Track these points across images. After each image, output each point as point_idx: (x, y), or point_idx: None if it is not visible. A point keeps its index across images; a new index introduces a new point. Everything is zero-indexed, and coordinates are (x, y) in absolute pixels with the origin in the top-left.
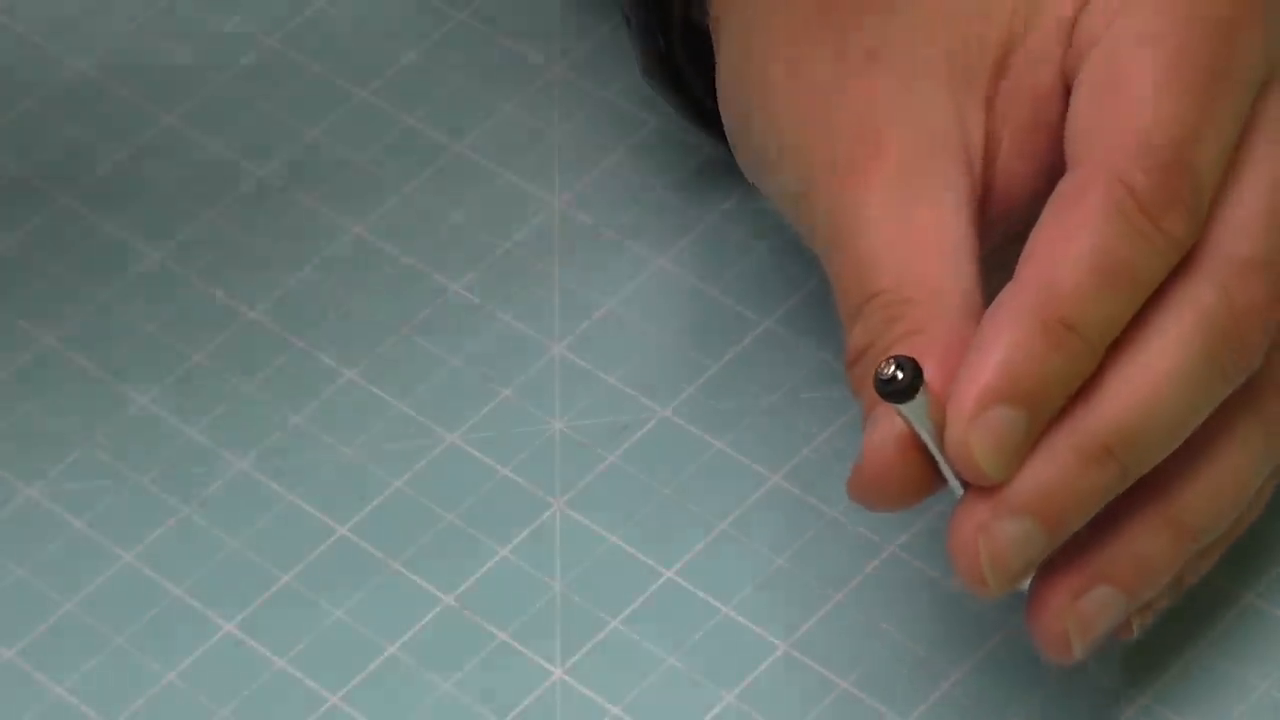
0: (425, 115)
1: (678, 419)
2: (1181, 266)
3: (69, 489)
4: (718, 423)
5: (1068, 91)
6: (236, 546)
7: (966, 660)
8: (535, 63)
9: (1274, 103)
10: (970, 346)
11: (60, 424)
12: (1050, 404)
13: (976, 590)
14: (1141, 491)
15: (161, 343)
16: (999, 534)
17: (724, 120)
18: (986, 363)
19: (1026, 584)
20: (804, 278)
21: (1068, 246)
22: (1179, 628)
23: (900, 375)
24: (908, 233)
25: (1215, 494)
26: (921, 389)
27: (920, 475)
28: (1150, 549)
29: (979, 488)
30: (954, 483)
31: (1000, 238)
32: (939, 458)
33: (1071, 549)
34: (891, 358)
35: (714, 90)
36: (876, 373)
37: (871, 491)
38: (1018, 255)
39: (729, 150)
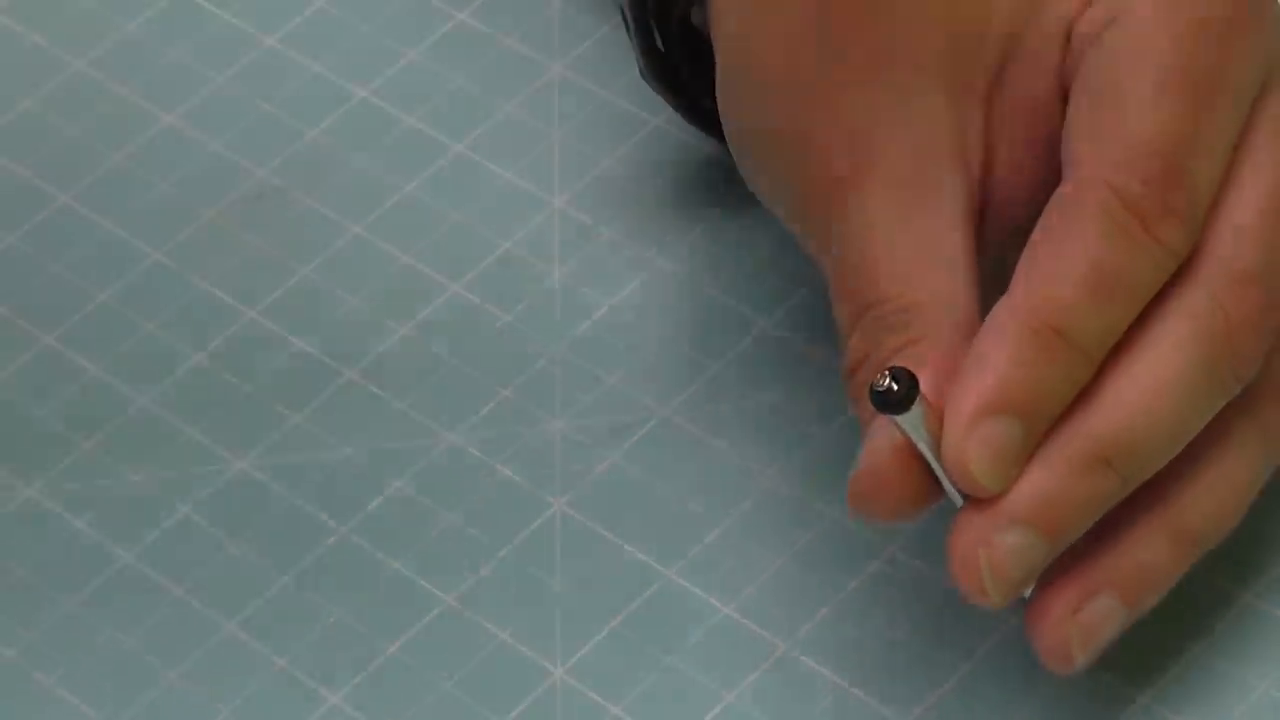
0: (425, 115)
1: (678, 419)
2: (1179, 275)
3: (69, 489)
4: (718, 423)
5: (1065, 98)
6: (236, 546)
7: (966, 660)
8: (535, 63)
9: (1271, 106)
10: (967, 357)
11: (60, 424)
12: (1047, 414)
13: (978, 601)
14: (1140, 499)
15: (161, 343)
16: (999, 545)
17: (723, 125)
18: (983, 374)
19: (1028, 591)
20: (804, 278)
21: (1063, 257)
22: (1179, 628)
23: (896, 387)
24: (905, 242)
25: (1214, 501)
26: (917, 400)
27: (918, 486)
28: (1150, 557)
29: (977, 499)
30: (952, 493)
31: (1000, 246)
32: (937, 469)
33: (1072, 558)
34: (887, 369)
35: (713, 91)
36: (872, 384)
37: (869, 503)
38: (1016, 263)
39: (729, 150)
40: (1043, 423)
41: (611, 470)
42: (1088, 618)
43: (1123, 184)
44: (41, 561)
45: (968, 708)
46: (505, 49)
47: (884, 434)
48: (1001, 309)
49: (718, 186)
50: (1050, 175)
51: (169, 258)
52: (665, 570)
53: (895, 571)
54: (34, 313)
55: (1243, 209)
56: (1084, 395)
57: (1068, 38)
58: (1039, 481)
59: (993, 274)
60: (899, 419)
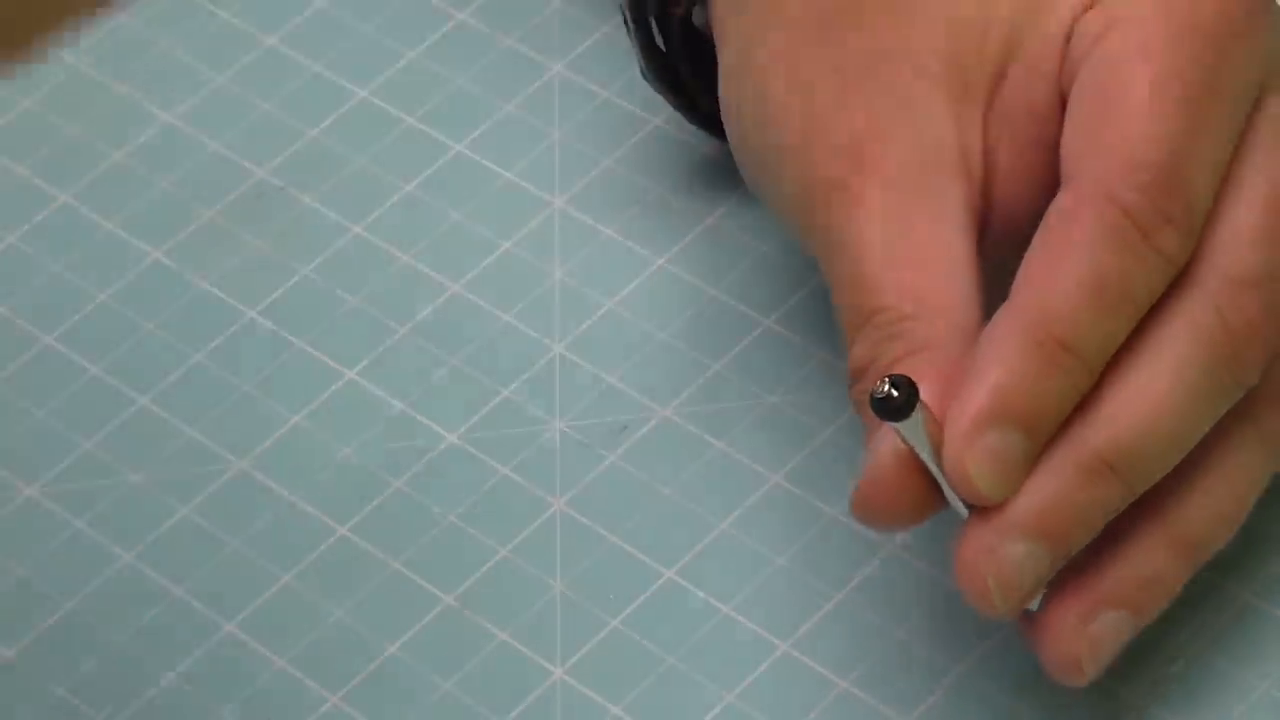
0: (425, 115)
1: (678, 419)
2: (1178, 282)
3: (69, 489)
4: (718, 423)
5: (1065, 103)
6: (236, 546)
7: (966, 660)
8: (535, 63)
9: (1271, 108)
10: (967, 367)
11: (60, 424)
12: (1048, 424)
13: (985, 612)
14: (1143, 509)
15: (161, 343)
16: (1004, 556)
17: (725, 128)
18: (982, 384)
19: (1037, 605)
20: (804, 278)
21: (1061, 266)
22: (1179, 628)
23: (895, 394)
24: (907, 248)
25: (1217, 509)
26: (918, 408)
27: (921, 494)
28: (1155, 568)
29: (982, 510)
30: (955, 501)
31: (1002, 250)
32: (939, 477)
33: (1076, 571)
34: (887, 377)
35: (714, 91)
36: (872, 391)
37: (873, 511)
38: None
39: (729, 150)
40: (1044, 432)
41: (611, 470)
42: (1097, 631)
43: (1120, 193)
44: (41, 561)
45: (968, 708)
46: (505, 49)
47: (887, 442)
48: (1001, 318)
49: (718, 186)
50: (1051, 179)
51: (169, 258)
52: (665, 570)
53: (895, 571)
54: (34, 313)
55: (1242, 214)
56: (1086, 404)
57: (1066, 43)
58: (1043, 491)
59: (995, 278)
60: (899, 426)
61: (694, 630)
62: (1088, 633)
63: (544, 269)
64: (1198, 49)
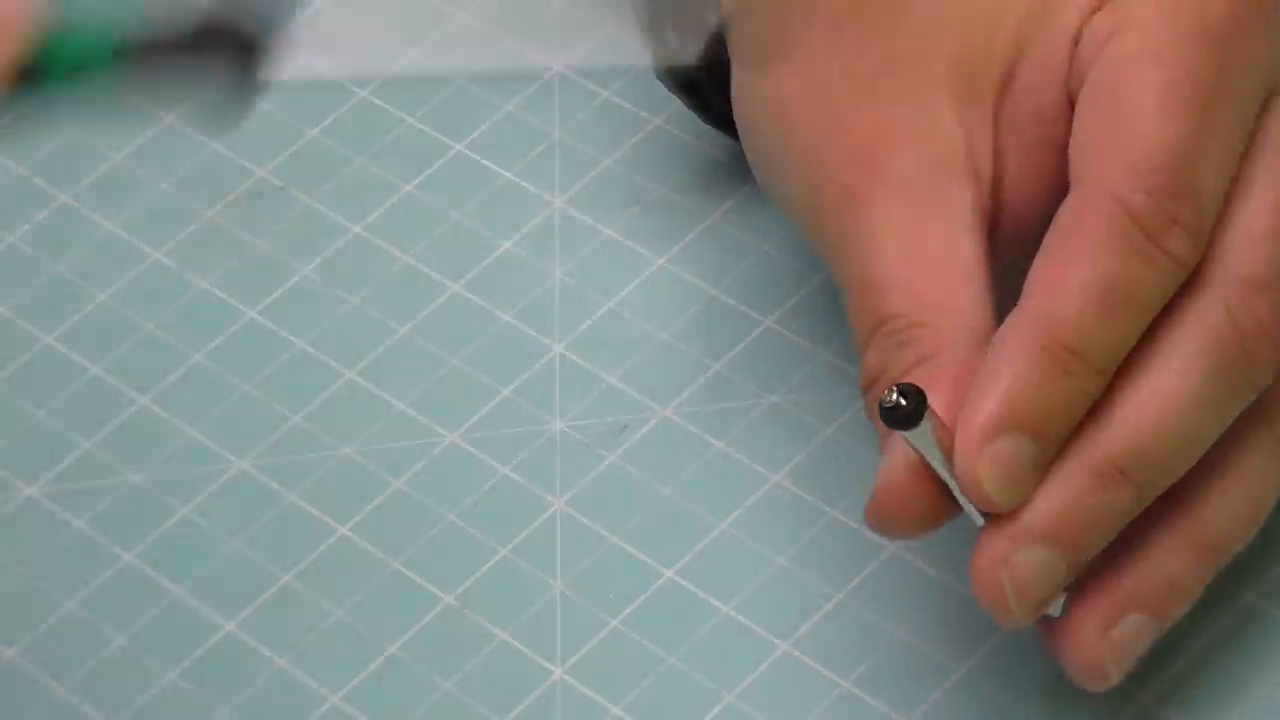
0: (425, 115)
1: (678, 419)
2: (1189, 284)
3: (69, 489)
4: (718, 423)
5: (1073, 107)
6: (236, 546)
7: (967, 660)
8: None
9: (1275, 118)
10: (977, 375)
11: (60, 424)
12: (1059, 430)
13: (1003, 621)
14: (1162, 512)
15: (161, 343)
16: (1020, 564)
17: (739, 132)
18: (992, 391)
19: (1056, 610)
20: (804, 277)
21: (1070, 272)
22: (1179, 628)
23: (904, 402)
24: (917, 255)
25: (1235, 510)
26: (926, 416)
27: (934, 503)
28: (1176, 571)
29: (996, 517)
30: (969, 509)
31: (1013, 254)
32: (951, 485)
33: (1097, 577)
34: (895, 385)
35: (727, 91)
36: (880, 400)
37: (887, 519)
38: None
39: (730, 149)
40: (1055, 439)
41: (611, 470)
42: (1119, 635)
43: (1128, 197)
44: (41, 561)
45: (968, 708)
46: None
47: (899, 451)
48: (1010, 324)
49: (718, 186)
50: (1061, 181)
51: (169, 258)
52: (665, 570)
53: (895, 571)
54: (34, 313)
55: (1253, 215)
56: (1098, 409)
57: (1075, 44)
58: (1057, 498)
59: (1006, 279)
60: (909, 435)
61: (694, 630)
62: (1110, 637)
63: (544, 269)
64: (1207, 50)
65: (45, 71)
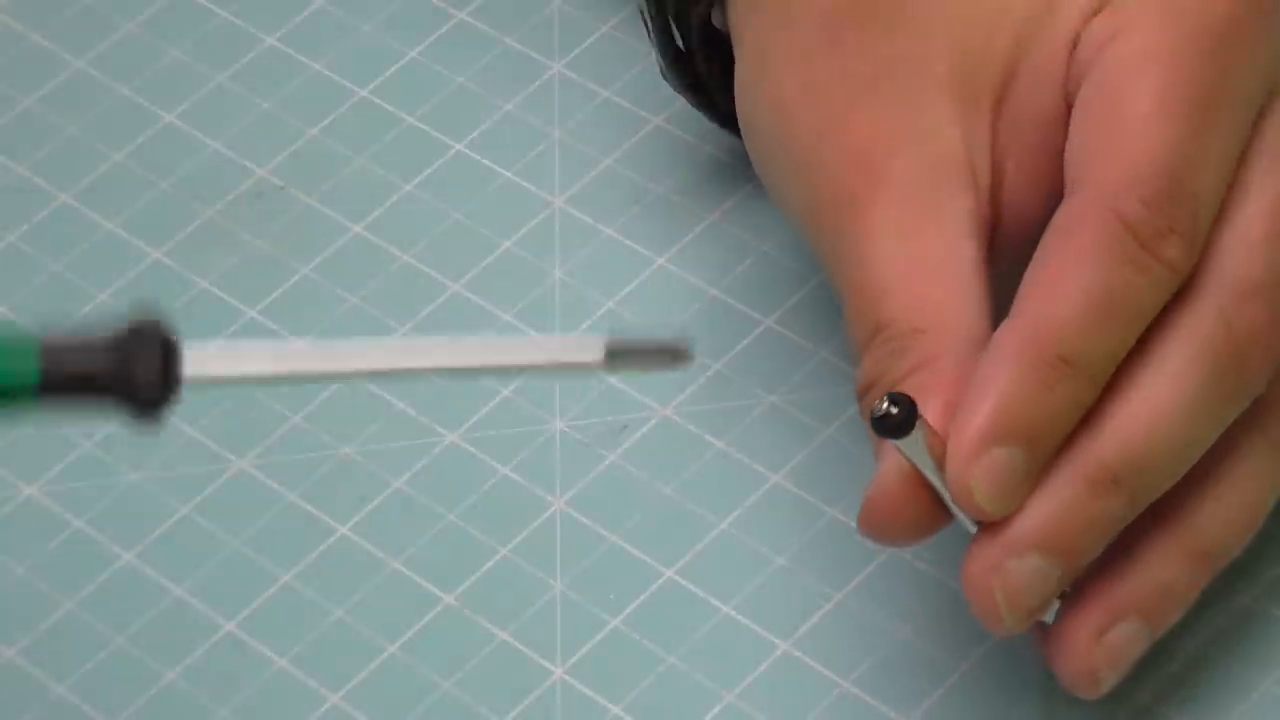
0: (425, 115)
1: (678, 419)
2: (1184, 290)
3: (69, 489)
4: (718, 423)
5: (1071, 111)
6: (236, 546)
7: (967, 660)
8: (535, 63)
9: (1273, 122)
10: (969, 384)
11: (60, 423)
12: (1051, 439)
13: (995, 629)
14: (1156, 518)
15: None
16: (1012, 572)
17: (742, 134)
18: (984, 401)
19: (1050, 616)
20: (804, 277)
21: (1063, 280)
22: (1178, 627)
23: (894, 412)
24: (914, 261)
25: (1230, 516)
26: (918, 425)
27: (927, 511)
28: (1170, 578)
29: (989, 525)
30: (962, 517)
31: (1013, 258)
32: (944, 493)
33: (1092, 584)
34: (886, 394)
35: (732, 90)
36: (871, 409)
37: (879, 527)
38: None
39: (730, 149)
40: (1047, 448)
41: (611, 470)
42: (1112, 641)
43: (1122, 204)
44: (41, 561)
45: (968, 708)
46: (505, 49)
47: (893, 458)
48: (1004, 332)
49: (718, 186)
50: (1060, 185)
51: (169, 257)
52: (665, 570)
53: (896, 571)
54: (34, 311)
55: (1249, 220)
56: (1091, 416)
57: (1073, 49)
58: (1048, 506)
59: (1007, 283)
60: (900, 444)
61: (694, 630)
62: (1103, 644)
63: (544, 269)
64: (1205, 54)
65: None
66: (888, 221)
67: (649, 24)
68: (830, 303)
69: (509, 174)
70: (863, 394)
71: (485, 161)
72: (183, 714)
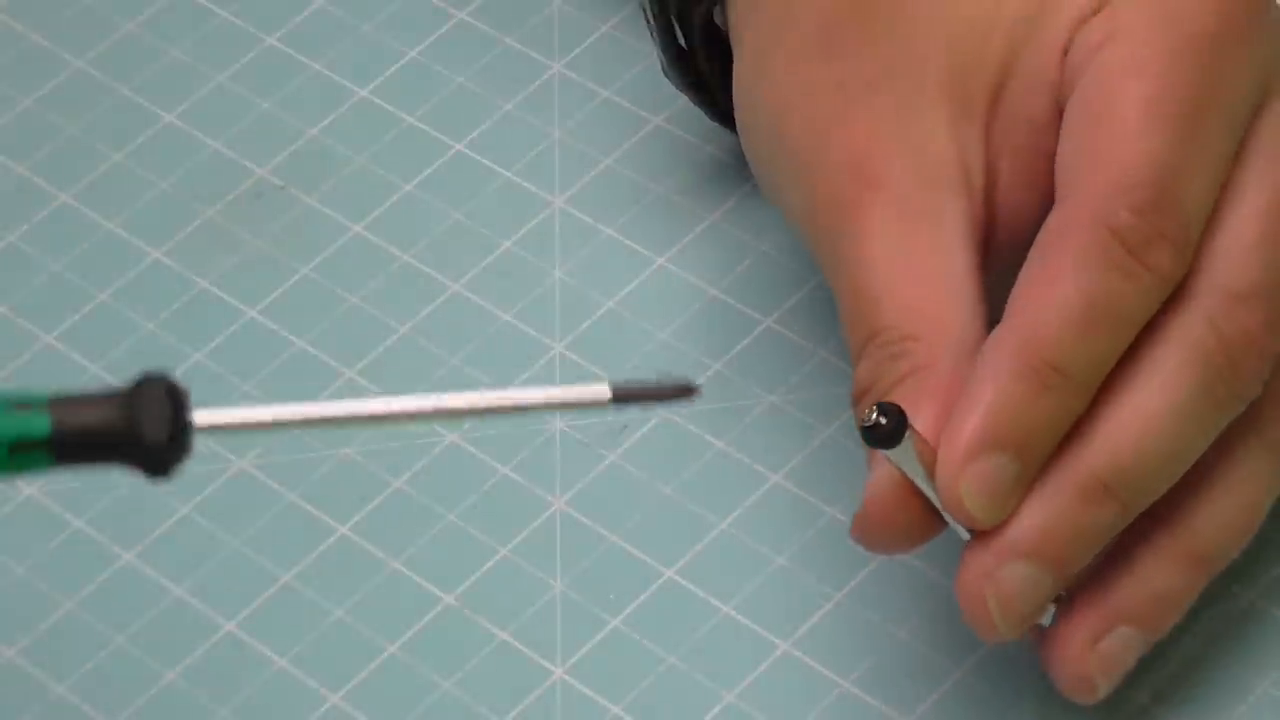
0: (425, 115)
1: (678, 419)
2: (1174, 297)
3: (69, 488)
4: (718, 423)
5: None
6: (236, 546)
7: (967, 660)
8: (535, 62)
9: (1267, 124)
10: (960, 392)
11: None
12: (1040, 447)
13: (989, 637)
14: (1152, 525)
15: (161, 342)
16: (1004, 580)
17: (740, 137)
18: (974, 409)
19: (1047, 620)
20: (804, 278)
21: (1052, 288)
22: (1177, 629)
23: (883, 422)
24: (908, 267)
25: (1226, 522)
26: (907, 434)
27: (920, 518)
28: (1166, 583)
29: (982, 534)
30: (954, 524)
31: (1008, 262)
32: (936, 501)
33: (1087, 590)
34: (875, 404)
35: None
36: (861, 419)
37: (873, 535)
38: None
39: (735, 149)
40: (1037, 456)
41: (611, 470)
42: (1107, 648)
43: (1111, 213)
44: (41, 561)
45: (967, 707)
46: (505, 49)
47: (886, 467)
48: (994, 340)
49: (718, 186)
50: (1054, 190)
51: (169, 257)
52: (665, 570)
53: (895, 571)
54: (34, 313)
55: (1241, 224)
56: (1082, 424)
57: (1065, 54)
58: (1040, 513)
59: (1003, 284)
60: (889, 453)
61: (694, 630)
62: (1098, 650)
63: (544, 269)
64: (1195, 60)
65: None
66: (882, 227)
67: (651, 22)
68: (830, 303)
69: (509, 174)
70: (857, 400)
71: (485, 161)
72: (183, 714)
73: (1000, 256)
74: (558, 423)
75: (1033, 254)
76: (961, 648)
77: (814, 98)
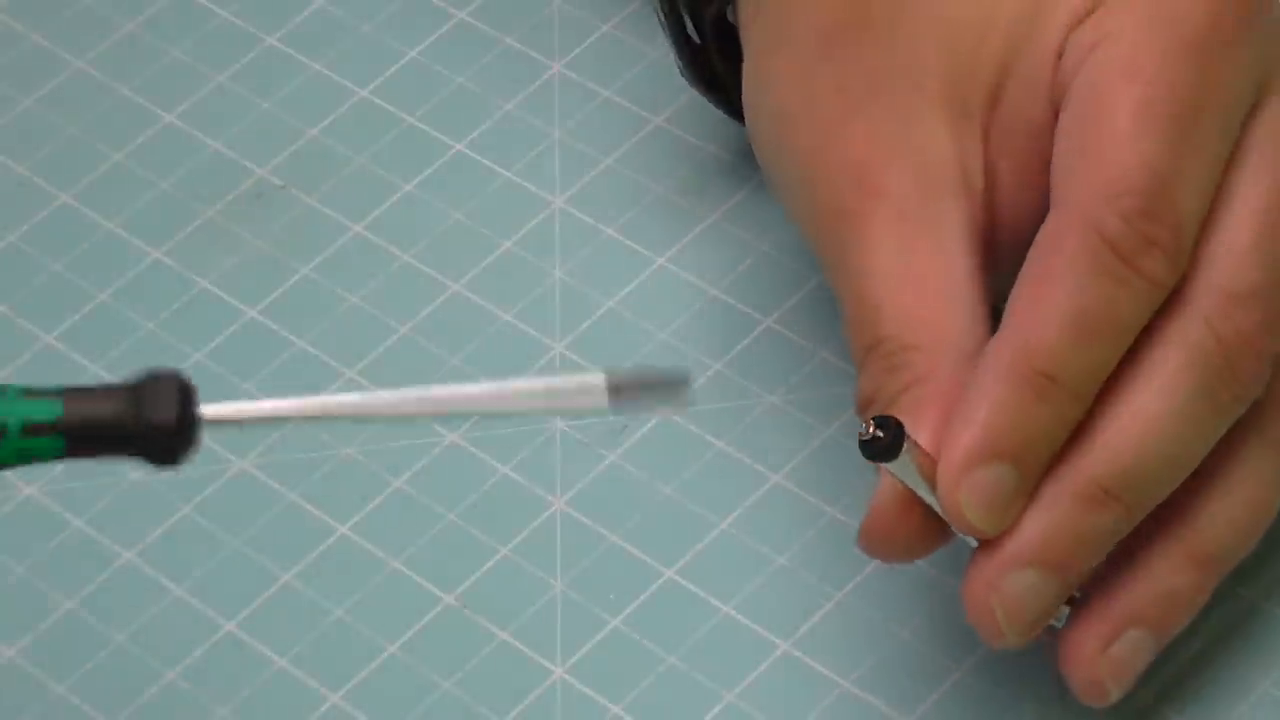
0: (425, 115)
1: (679, 419)
2: (1171, 301)
3: (69, 488)
4: (718, 423)
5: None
6: (236, 546)
7: (967, 660)
8: (535, 63)
9: (1263, 123)
10: (959, 402)
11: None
12: (1040, 456)
13: (997, 645)
14: (1160, 527)
15: (161, 342)
16: (1009, 588)
17: (750, 138)
18: (971, 420)
19: (1060, 620)
20: (804, 277)
21: (1045, 296)
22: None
23: (881, 436)
24: (908, 275)
25: (1233, 522)
26: (906, 446)
27: (924, 530)
28: (1176, 585)
29: (987, 542)
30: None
31: (1011, 265)
32: (940, 511)
33: (1097, 594)
34: (872, 418)
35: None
36: (858, 433)
37: (879, 546)
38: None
39: (735, 149)
40: (1037, 464)
41: (611, 470)
42: (1119, 652)
43: (1102, 220)
44: (41, 561)
45: (968, 707)
46: (505, 49)
47: (890, 478)
48: (991, 350)
49: (718, 186)
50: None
51: (169, 257)
52: (665, 570)
53: (895, 571)
54: (34, 313)
55: (1236, 224)
56: (1082, 429)
57: (1059, 59)
58: (1041, 521)
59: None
60: (889, 466)
61: (694, 630)
62: (1109, 655)
63: (544, 269)
64: (1187, 63)
65: None
66: (882, 235)
67: (662, 20)
68: (830, 303)
69: (509, 174)
70: (861, 410)
71: (485, 161)
72: (183, 714)
73: (1003, 258)
74: (558, 422)
75: (1028, 261)
76: (962, 647)
77: (814, 103)
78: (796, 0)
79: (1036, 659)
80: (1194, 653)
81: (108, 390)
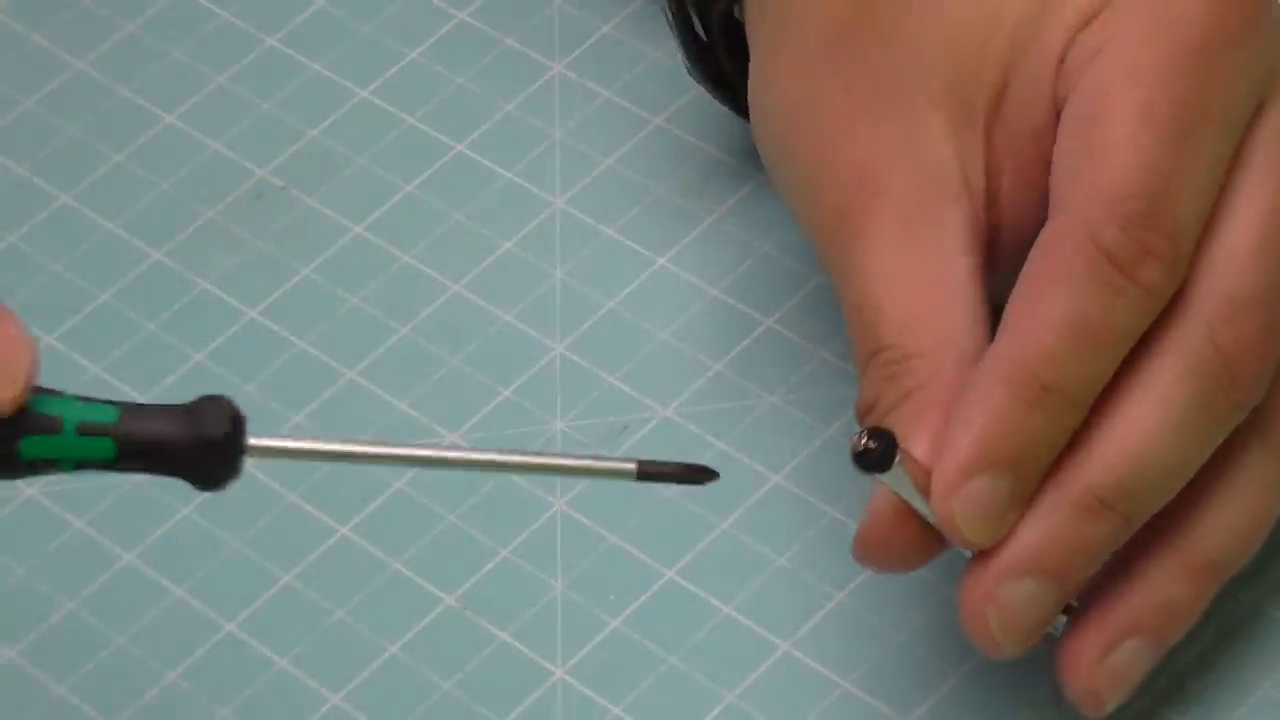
0: (425, 115)
1: (678, 419)
2: (1171, 308)
3: (69, 489)
4: (718, 423)
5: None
6: (236, 546)
7: (967, 661)
8: (535, 63)
9: (1266, 126)
10: (955, 412)
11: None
12: (1035, 466)
13: (990, 654)
14: (1159, 535)
15: (161, 342)
16: (1005, 597)
17: (755, 138)
18: (967, 431)
19: (1058, 629)
20: (804, 277)
21: (1042, 306)
22: None
23: (873, 447)
24: (908, 281)
25: (1233, 529)
26: (899, 458)
27: (920, 540)
28: (1175, 594)
29: (983, 552)
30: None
31: (1013, 268)
32: (934, 522)
33: (1095, 603)
34: (865, 430)
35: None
36: (851, 445)
37: (875, 556)
38: None
39: (735, 149)
40: (1032, 474)
41: None
42: (1117, 661)
43: (1099, 229)
44: (42, 561)
45: (967, 708)
46: (505, 49)
47: (886, 488)
48: (987, 360)
49: (718, 186)
50: None
51: (169, 258)
52: (665, 570)
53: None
54: (34, 313)
55: (1237, 233)
56: (1079, 438)
57: (1061, 64)
58: (1037, 530)
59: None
60: (882, 477)
61: (694, 630)
62: (1106, 665)
63: (544, 269)
64: (1188, 70)
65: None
66: (884, 240)
67: (670, 18)
68: (830, 303)
69: (509, 174)
70: (862, 416)
71: (486, 162)
72: (183, 715)
73: (1005, 259)
74: (558, 424)
75: (1026, 268)
76: (962, 649)
77: (819, 103)
78: (801, 1)
79: (1035, 661)
80: (1194, 654)
81: (164, 408)
